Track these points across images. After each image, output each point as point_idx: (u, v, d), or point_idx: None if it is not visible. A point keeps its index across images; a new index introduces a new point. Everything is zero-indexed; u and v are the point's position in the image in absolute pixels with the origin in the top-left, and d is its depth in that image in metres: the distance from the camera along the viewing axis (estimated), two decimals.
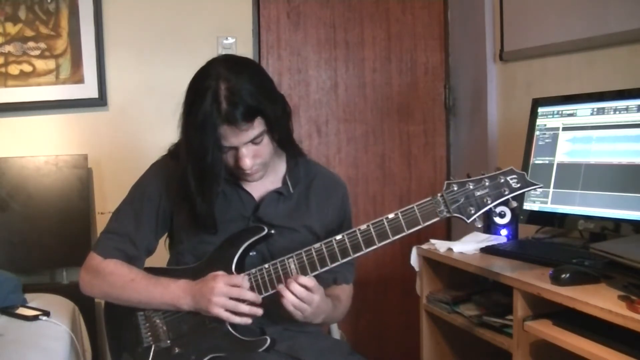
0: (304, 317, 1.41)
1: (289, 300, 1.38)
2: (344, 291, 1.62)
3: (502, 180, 1.33)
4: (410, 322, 2.45)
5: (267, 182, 1.56)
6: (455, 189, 1.34)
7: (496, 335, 1.69)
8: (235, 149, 1.41)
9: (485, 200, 1.33)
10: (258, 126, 1.39)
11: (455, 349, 2.05)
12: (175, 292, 1.46)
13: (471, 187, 1.33)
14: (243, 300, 1.41)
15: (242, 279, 1.42)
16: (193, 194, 1.46)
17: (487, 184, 1.33)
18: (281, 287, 1.39)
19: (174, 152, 1.56)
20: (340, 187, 1.64)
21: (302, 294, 1.38)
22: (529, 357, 1.55)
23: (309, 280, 1.39)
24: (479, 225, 1.37)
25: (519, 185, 1.33)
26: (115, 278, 1.51)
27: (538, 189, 1.87)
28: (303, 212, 1.57)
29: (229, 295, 1.40)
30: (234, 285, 1.40)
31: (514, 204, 1.34)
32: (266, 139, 1.43)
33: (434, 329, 2.03)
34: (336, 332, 1.86)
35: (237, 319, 1.41)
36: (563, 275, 1.44)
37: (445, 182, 1.35)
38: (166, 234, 1.63)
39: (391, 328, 3.02)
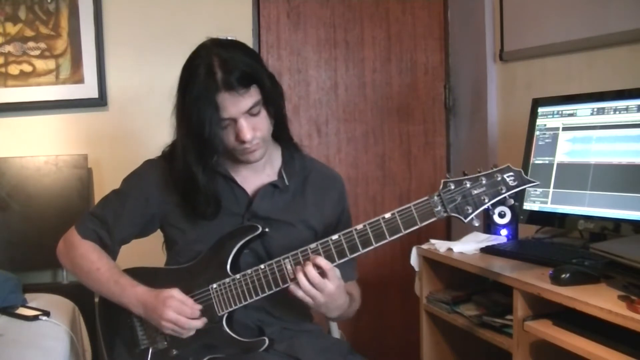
0: (316, 306, 1.39)
1: (301, 282, 1.34)
2: (354, 287, 1.61)
3: (499, 178, 1.31)
4: (410, 322, 2.45)
5: (262, 175, 1.55)
6: (452, 187, 1.32)
7: (496, 335, 1.69)
8: (234, 120, 1.40)
9: (482, 198, 1.31)
10: (255, 94, 1.40)
11: (455, 349, 2.05)
12: (129, 298, 1.48)
13: (468, 185, 1.31)
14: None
15: (192, 309, 1.43)
16: (194, 174, 1.45)
17: (484, 182, 1.31)
18: (297, 268, 1.36)
19: (167, 154, 1.56)
20: (337, 181, 1.64)
21: (315, 279, 1.34)
22: (529, 357, 1.55)
23: (325, 263, 1.35)
24: (476, 224, 1.34)
25: (516, 182, 1.31)
26: (83, 262, 1.53)
27: (538, 189, 1.89)
28: (299, 206, 1.56)
29: (178, 323, 1.42)
30: (184, 314, 1.42)
31: (511, 201, 1.33)
32: (263, 112, 1.43)
33: (434, 329, 2.03)
34: (336, 332, 1.86)
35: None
36: (563, 275, 1.44)
37: (442, 181, 1.33)
38: (164, 238, 1.63)
39: (391, 328, 3.02)
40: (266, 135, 1.47)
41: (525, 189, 1.35)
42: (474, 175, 1.32)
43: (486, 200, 1.31)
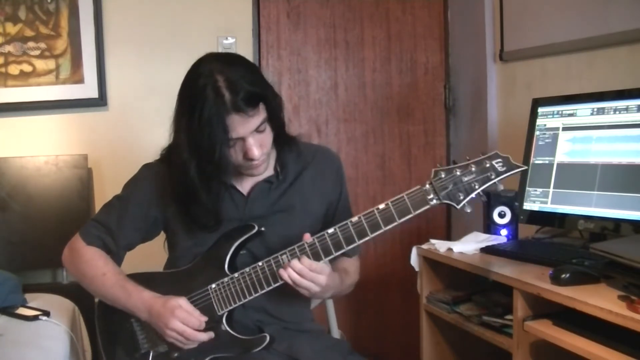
0: (312, 294, 1.43)
1: (293, 280, 1.39)
2: (352, 264, 1.62)
3: (488, 165, 1.33)
4: (410, 322, 2.45)
5: None
6: (443, 176, 1.34)
7: (496, 335, 1.69)
8: (242, 140, 1.41)
9: (473, 185, 1.33)
10: (262, 112, 1.41)
11: (455, 349, 2.05)
12: (134, 304, 1.48)
13: (458, 173, 1.33)
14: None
15: (199, 321, 1.43)
16: (198, 191, 1.45)
17: (473, 169, 1.33)
18: (281, 272, 1.39)
19: (165, 158, 1.55)
20: (334, 160, 1.65)
21: (306, 273, 1.38)
22: (529, 357, 1.55)
23: (310, 264, 1.38)
24: (468, 211, 1.36)
25: (504, 168, 1.33)
26: (89, 267, 1.53)
27: (538, 189, 1.90)
28: (296, 192, 1.56)
29: (184, 334, 1.42)
30: (190, 325, 1.43)
31: (501, 187, 1.35)
32: (268, 127, 1.44)
33: (434, 329, 2.03)
34: (336, 332, 1.86)
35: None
36: (563, 275, 1.44)
37: (433, 170, 1.35)
38: (165, 237, 1.63)
39: (391, 328, 3.02)
40: (270, 150, 1.49)
41: (514, 174, 1.35)
42: (464, 163, 1.35)
43: (477, 187, 1.33)
